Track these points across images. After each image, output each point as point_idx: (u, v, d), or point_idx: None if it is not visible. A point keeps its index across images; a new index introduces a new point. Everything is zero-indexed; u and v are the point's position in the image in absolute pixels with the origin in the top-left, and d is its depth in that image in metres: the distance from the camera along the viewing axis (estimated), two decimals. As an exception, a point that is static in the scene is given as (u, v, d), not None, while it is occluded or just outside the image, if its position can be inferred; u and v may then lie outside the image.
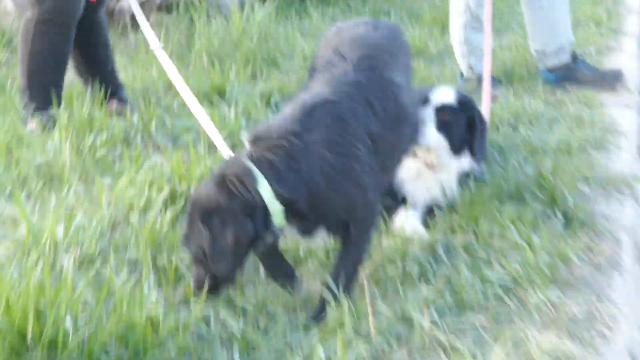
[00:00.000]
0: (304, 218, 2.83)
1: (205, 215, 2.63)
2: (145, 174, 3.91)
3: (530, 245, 3.26)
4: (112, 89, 5.12)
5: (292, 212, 2.76)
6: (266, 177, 2.65)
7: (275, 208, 2.70)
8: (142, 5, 6.46)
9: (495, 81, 5.46)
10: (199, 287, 2.70)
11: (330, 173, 2.79)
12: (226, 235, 2.62)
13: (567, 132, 4.68)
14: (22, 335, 2.41)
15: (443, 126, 3.61)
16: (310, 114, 2.81)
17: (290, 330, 2.83)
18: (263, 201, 2.65)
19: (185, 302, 3.04)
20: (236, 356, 2.68)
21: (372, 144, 2.89)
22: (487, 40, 4.90)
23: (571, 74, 5.54)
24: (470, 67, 5.54)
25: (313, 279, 3.24)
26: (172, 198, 3.73)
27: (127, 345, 2.57)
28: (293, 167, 2.73)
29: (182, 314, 2.87)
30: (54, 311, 2.43)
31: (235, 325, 2.84)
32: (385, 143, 2.98)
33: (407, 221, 3.58)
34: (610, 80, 5.54)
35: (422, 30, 7.00)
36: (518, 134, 4.67)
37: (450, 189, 3.69)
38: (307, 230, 2.93)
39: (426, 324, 2.79)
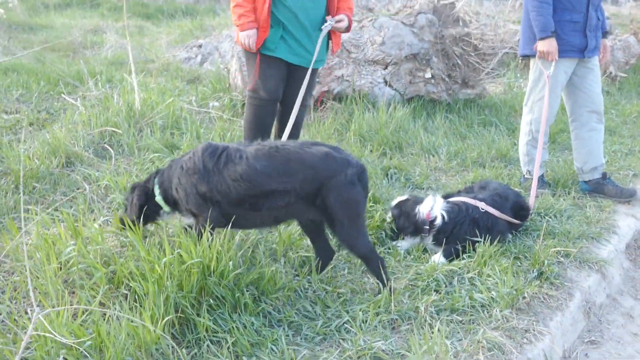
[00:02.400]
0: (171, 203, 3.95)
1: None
2: None
3: (504, 282, 4.07)
4: None
5: (165, 199, 3.95)
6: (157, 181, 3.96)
7: (157, 195, 3.94)
8: (326, 92, 7.63)
9: (545, 184, 6.11)
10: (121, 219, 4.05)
11: (174, 181, 3.84)
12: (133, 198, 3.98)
13: (575, 225, 5.20)
14: (208, 267, 3.56)
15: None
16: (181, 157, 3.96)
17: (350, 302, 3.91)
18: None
19: (296, 272, 4.14)
20: (317, 309, 3.79)
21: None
22: (537, 157, 5.67)
23: (600, 187, 6.04)
24: (529, 172, 6.10)
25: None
26: None
27: (257, 287, 3.75)
28: (164, 176, 3.94)
29: (293, 278, 4.03)
30: (223, 259, 3.61)
31: (319, 292, 3.94)
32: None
33: (437, 257, 4.53)
34: (627, 195, 5.99)
35: (512, 140, 7.41)
36: (541, 221, 5.24)
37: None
38: (178, 211, 3.98)
39: (426, 313, 3.79)
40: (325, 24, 5.24)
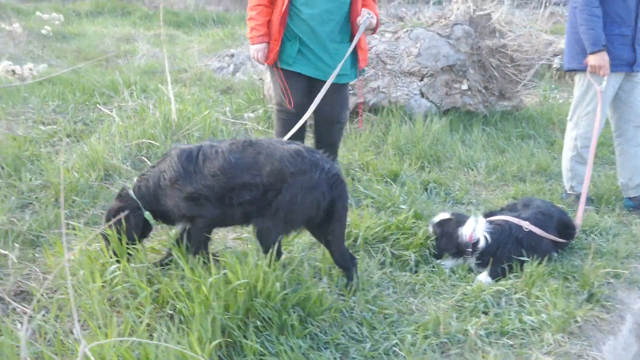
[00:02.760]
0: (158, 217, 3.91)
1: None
2: None
3: (555, 305, 3.94)
4: None
5: (153, 214, 3.88)
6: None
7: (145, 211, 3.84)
8: (362, 104, 7.63)
9: (588, 200, 5.81)
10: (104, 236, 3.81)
11: (160, 194, 3.80)
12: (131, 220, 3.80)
13: (622, 244, 5.04)
14: (255, 288, 3.46)
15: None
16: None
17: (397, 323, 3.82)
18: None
19: (340, 291, 4.03)
20: (364, 330, 3.68)
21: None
22: (587, 174, 5.48)
23: None
24: (572, 188, 5.96)
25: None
26: (348, 236, 4.54)
27: (303, 308, 3.64)
28: (144, 190, 3.86)
29: (338, 298, 3.92)
30: (269, 281, 3.49)
31: (365, 312, 3.85)
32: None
33: (482, 277, 4.42)
34: (673, 212, 5.82)
35: (551, 154, 7.28)
36: (587, 239, 5.16)
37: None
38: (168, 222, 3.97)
39: (476, 337, 3.66)
40: (364, 18, 5.12)
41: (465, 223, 4.66)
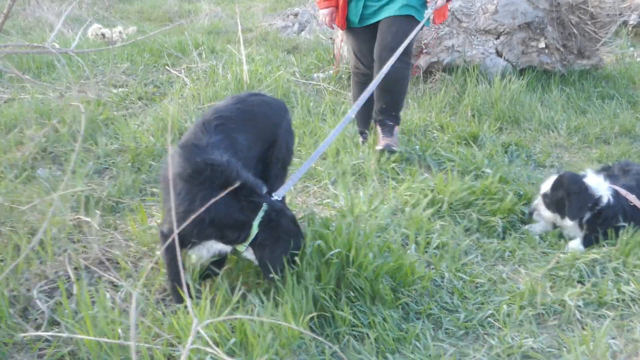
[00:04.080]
0: None
1: None
2: (418, 183, 4.67)
3: None
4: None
5: None
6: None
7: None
8: (432, 64, 7.44)
9: None
10: None
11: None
12: None
13: None
14: (347, 257, 3.33)
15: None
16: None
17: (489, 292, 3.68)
18: None
19: (429, 260, 3.89)
20: (455, 300, 3.55)
21: None
22: None
23: None
24: None
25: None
26: (433, 202, 4.44)
27: (394, 278, 3.51)
28: None
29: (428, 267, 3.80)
30: (362, 249, 3.35)
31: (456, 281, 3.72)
32: None
33: (575, 244, 4.23)
34: None
35: (635, 114, 7.00)
36: None
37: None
38: None
39: (574, 308, 3.49)
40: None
41: (587, 176, 4.36)
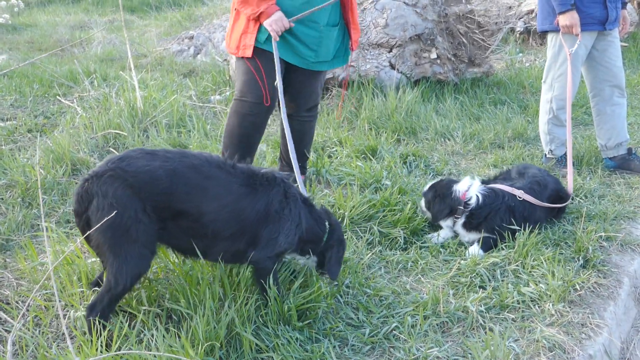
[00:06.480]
0: None
1: None
2: (318, 199, 4.63)
3: (553, 274, 3.84)
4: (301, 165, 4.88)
5: None
6: None
7: None
8: (328, 80, 7.43)
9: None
10: None
11: None
12: None
13: (609, 205, 4.99)
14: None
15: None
16: None
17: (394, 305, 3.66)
18: None
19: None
20: (360, 315, 3.53)
21: None
22: (568, 137, 5.36)
23: (626, 163, 5.81)
24: (551, 152, 5.86)
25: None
26: None
27: (298, 300, 3.52)
28: None
29: (330, 283, 3.82)
30: None
31: (360, 296, 3.74)
32: None
33: (474, 249, 4.27)
34: (655, 170, 5.76)
35: (526, 118, 7.19)
36: (573, 203, 5.01)
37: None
38: None
39: (477, 313, 3.52)
40: None
41: (460, 181, 4.58)
